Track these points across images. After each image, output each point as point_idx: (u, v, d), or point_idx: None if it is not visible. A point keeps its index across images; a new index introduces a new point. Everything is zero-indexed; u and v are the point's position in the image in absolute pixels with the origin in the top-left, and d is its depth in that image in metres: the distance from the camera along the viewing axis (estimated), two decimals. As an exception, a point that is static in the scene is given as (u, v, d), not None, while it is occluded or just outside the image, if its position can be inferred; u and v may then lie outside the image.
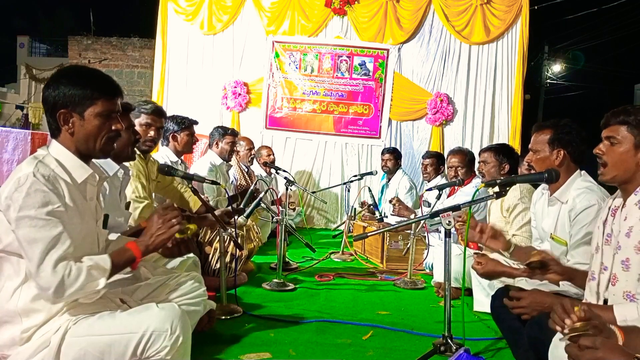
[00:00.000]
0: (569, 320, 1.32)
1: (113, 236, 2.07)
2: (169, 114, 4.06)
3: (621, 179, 1.76)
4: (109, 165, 2.34)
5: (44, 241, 1.53)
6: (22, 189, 1.54)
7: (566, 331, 1.33)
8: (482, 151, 3.77)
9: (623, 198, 1.79)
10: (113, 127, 1.74)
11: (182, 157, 3.99)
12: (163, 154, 3.80)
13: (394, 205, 4.72)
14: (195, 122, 3.96)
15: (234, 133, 4.80)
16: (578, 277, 2.01)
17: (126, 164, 2.53)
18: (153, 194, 3.11)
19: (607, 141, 1.79)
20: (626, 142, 1.74)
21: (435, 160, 5.29)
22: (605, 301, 1.75)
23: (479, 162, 3.81)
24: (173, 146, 3.85)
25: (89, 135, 1.70)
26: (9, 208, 1.55)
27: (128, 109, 2.45)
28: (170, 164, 3.58)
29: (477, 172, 4.17)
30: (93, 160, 1.81)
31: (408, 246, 4.13)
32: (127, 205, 2.57)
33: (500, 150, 3.58)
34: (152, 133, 2.97)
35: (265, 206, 4.05)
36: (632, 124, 1.73)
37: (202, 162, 4.60)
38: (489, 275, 2.48)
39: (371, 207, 5.53)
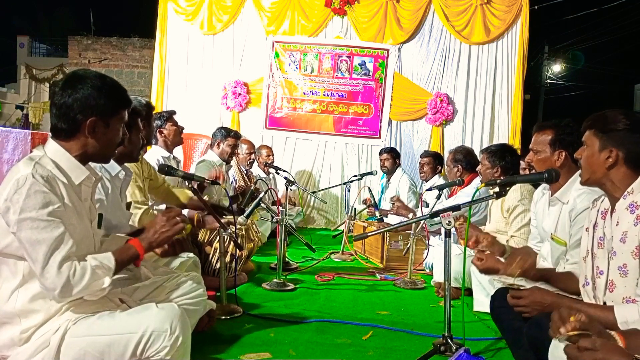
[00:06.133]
0: (564, 329, 1.33)
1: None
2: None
3: (593, 181, 1.83)
4: (110, 165, 2.34)
5: (47, 242, 1.53)
6: (22, 191, 1.54)
7: (561, 338, 1.34)
8: (480, 152, 3.79)
9: (610, 202, 1.80)
10: (123, 137, 1.82)
11: (174, 153, 4.00)
12: (155, 152, 3.80)
13: (393, 203, 4.72)
14: (174, 112, 4.02)
15: (237, 136, 4.79)
16: (554, 279, 2.06)
17: (127, 165, 2.53)
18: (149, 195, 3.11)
19: (583, 145, 1.86)
20: (592, 146, 1.80)
21: (432, 160, 5.30)
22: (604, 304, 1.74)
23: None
24: (162, 142, 3.87)
25: (108, 142, 1.76)
26: (9, 210, 1.54)
27: (138, 112, 2.47)
28: (163, 160, 3.60)
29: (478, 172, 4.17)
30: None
31: (408, 246, 4.12)
32: (128, 205, 2.57)
33: (494, 153, 3.57)
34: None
35: (265, 206, 4.05)
36: (598, 128, 1.79)
37: (198, 162, 4.61)
38: (488, 272, 2.49)
39: (372, 207, 5.54)
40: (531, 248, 2.66)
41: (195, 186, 2.86)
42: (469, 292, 3.32)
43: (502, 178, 3.42)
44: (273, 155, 6.01)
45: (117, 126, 1.77)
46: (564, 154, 2.42)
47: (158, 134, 3.83)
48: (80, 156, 1.71)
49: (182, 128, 4.04)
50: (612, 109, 1.82)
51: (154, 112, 3.34)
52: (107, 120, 1.72)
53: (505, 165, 3.52)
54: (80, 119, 1.67)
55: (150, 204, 2.95)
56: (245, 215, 3.47)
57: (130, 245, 1.76)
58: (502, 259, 2.53)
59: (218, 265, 3.20)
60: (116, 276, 1.68)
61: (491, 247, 2.44)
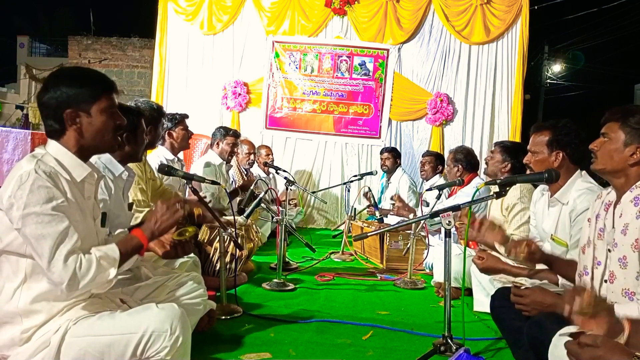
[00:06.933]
0: (579, 299, 1.33)
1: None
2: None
3: (608, 172, 1.82)
4: (114, 166, 2.35)
5: (52, 236, 1.54)
6: (25, 186, 1.54)
7: (575, 309, 1.33)
8: (494, 144, 3.76)
9: (617, 194, 1.81)
10: (117, 122, 1.77)
11: (178, 155, 3.97)
12: (159, 154, 3.78)
13: (394, 202, 4.72)
14: (186, 116, 3.94)
15: (236, 134, 4.78)
16: (557, 265, 2.07)
17: (130, 165, 2.53)
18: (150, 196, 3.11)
19: (602, 137, 1.84)
20: (617, 139, 1.79)
21: (434, 159, 5.31)
22: None
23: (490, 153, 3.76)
24: (169, 144, 3.83)
25: (98, 131, 1.72)
26: (12, 206, 1.54)
27: (141, 114, 2.47)
28: (166, 162, 3.58)
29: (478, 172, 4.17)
30: (96, 160, 1.82)
31: (408, 246, 4.13)
32: (130, 206, 2.57)
33: (509, 148, 3.55)
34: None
35: (265, 206, 4.05)
36: (626, 122, 1.78)
37: (199, 162, 4.60)
38: (489, 271, 2.49)
39: (372, 206, 5.54)
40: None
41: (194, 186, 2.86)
42: (469, 292, 3.32)
43: (508, 175, 3.41)
44: (272, 154, 6.01)
45: (103, 112, 1.72)
46: (561, 154, 2.42)
47: (167, 135, 3.77)
48: (79, 151, 1.71)
49: (192, 133, 4.00)
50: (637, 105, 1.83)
51: (163, 118, 3.33)
52: (86, 109, 1.69)
53: (515, 164, 3.49)
54: (59, 114, 1.67)
55: (152, 206, 2.95)
56: (245, 215, 3.47)
57: (133, 235, 1.76)
58: (503, 255, 2.53)
59: (218, 266, 3.20)
60: (118, 276, 1.68)
61: (492, 233, 2.36)
